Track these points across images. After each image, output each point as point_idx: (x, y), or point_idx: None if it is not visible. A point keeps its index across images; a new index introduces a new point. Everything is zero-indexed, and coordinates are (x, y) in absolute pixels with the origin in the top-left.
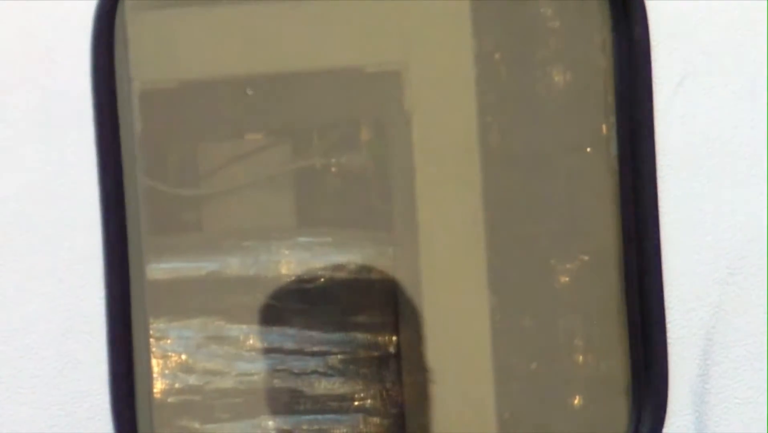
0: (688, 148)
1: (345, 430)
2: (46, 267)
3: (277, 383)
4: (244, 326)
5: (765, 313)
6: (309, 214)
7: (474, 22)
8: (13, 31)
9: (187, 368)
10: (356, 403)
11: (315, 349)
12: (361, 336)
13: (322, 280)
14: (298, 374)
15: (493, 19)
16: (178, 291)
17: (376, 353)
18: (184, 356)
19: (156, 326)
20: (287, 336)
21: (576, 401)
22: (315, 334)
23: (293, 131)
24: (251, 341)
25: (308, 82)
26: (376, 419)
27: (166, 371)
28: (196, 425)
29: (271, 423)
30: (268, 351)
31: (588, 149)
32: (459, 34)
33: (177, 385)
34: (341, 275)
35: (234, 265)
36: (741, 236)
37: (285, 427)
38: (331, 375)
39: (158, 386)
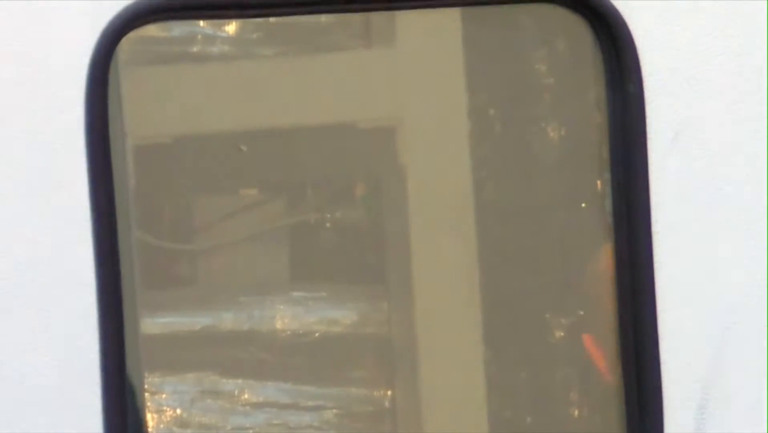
0: (682, 203)
1: None
2: (41, 322)
3: None
4: (239, 381)
5: (761, 368)
6: (303, 269)
7: (468, 78)
8: (6, 87)
9: (182, 423)
10: None
11: (310, 403)
12: (356, 391)
13: (317, 335)
14: (293, 429)
15: (487, 74)
16: (173, 346)
17: (371, 408)
18: (179, 411)
19: (151, 381)
20: (282, 391)
21: None
22: (310, 388)
23: (287, 186)
24: (246, 396)
25: (302, 138)
26: None
27: (161, 426)
28: None
29: None
30: (263, 406)
31: (583, 204)
32: (453, 90)
33: None
34: (336, 329)
35: (228, 319)
36: (737, 290)
37: None
38: (326, 430)
39: None
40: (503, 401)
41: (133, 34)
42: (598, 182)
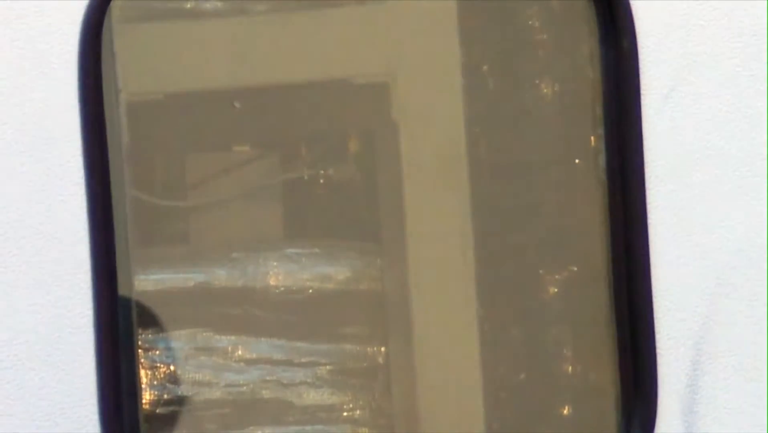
0: (676, 159)
1: None
2: (34, 278)
3: (265, 393)
4: (233, 337)
5: (754, 323)
6: (297, 225)
7: (461, 34)
8: (0, 44)
9: (175, 379)
10: (345, 414)
11: (303, 360)
12: (349, 347)
13: (310, 291)
14: (286, 385)
15: (481, 30)
16: (166, 302)
17: (364, 364)
18: (172, 367)
19: (144, 337)
20: (275, 347)
21: (565, 412)
22: (303, 345)
23: (281, 143)
24: (240, 352)
25: (296, 94)
26: (364, 430)
27: (155, 382)
28: None
29: None
30: (256, 362)
31: (576, 161)
32: (447, 46)
33: (165, 396)
34: (329, 286)
35: (222, 276)
36: (730, 246)
37: None
38: (320, 386)
39: (146, 397)
40: (497, 357)
41: None
42: (592, 138)
